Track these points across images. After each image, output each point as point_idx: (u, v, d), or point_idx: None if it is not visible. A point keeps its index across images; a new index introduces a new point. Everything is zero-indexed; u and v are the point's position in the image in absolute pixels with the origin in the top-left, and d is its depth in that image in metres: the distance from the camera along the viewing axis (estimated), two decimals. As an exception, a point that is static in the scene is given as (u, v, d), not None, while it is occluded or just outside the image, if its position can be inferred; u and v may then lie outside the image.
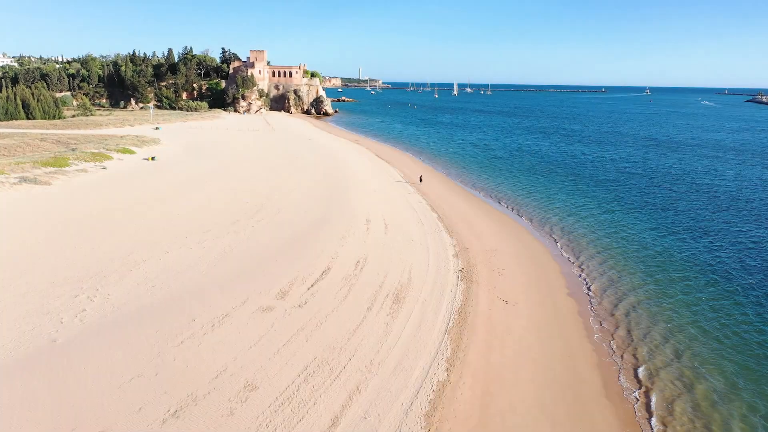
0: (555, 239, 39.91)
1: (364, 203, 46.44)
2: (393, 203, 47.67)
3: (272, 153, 76.27)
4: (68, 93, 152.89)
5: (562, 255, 36.20)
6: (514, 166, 75.43)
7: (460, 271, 30.88)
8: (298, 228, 37.45)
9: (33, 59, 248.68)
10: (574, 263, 34.48)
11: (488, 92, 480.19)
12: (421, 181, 58.57)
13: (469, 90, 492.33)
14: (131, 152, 66.93)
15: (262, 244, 33.44)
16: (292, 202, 45.41)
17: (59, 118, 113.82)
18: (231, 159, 69.37)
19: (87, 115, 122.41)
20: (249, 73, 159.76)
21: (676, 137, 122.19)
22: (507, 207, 50.72)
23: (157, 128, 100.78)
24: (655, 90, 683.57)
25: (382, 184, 56.84)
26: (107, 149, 65.90)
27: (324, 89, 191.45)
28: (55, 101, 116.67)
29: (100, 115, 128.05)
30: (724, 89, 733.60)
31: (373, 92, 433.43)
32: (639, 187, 61.70)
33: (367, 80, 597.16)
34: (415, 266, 30.91)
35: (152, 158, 64.35)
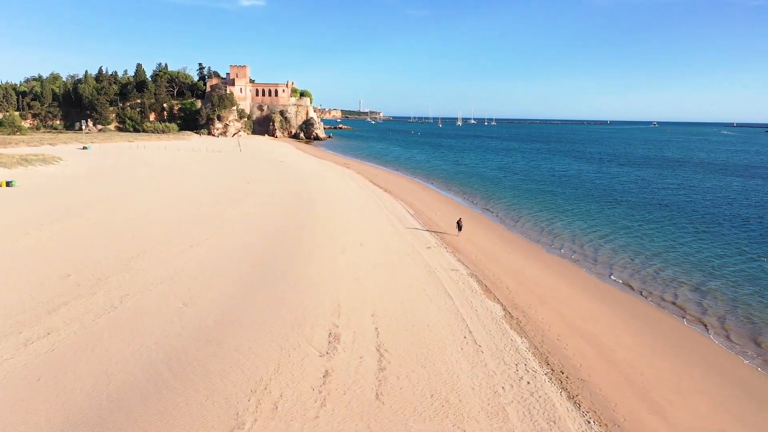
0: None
1: (339, 277, 21.64)
2: (401, 273, 22.71)
3: (219, 178, 51.85)
4: (15, 113, 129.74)
5: None
6: (567, 197, 50.80)
7: None
8: (124, 379, 12.58)
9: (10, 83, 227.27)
10: None
11: (493, 123, 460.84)
12: (459, 229, 31.50)
13: (473, 121, 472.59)
14: (-16, 174, 42.64)
15: None
16: (176, 273, 20.59)
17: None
18: (147, 184, 45.01)
19: (14, 134, 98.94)
20: (228, 91, 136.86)
21: (747, 162, 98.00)
22: (619, 276, 25.78)
23: (85, 147, 76.93)
24: (661, 124, 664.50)
25: (377, 225, 31.82)
26: (-58, 169, 41.65)
27: (322, 120, 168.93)
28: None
29: (42, 135, 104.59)
30: (732, 123, 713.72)
31: (373, 122, 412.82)
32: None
33: (367, 112, 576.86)
34: None
35: (7, 183, 39.99)
